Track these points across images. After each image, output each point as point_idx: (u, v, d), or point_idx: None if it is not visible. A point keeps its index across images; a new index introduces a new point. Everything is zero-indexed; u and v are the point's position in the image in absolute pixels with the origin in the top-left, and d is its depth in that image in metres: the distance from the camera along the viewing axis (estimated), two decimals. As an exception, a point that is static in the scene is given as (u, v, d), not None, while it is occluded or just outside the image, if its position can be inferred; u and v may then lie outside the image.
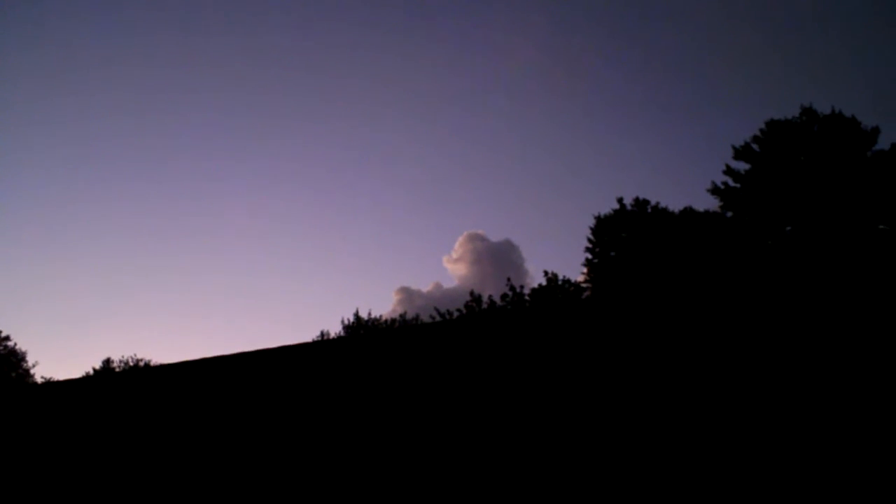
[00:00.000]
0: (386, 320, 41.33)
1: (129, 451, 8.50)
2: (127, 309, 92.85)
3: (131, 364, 47.00)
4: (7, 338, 44.29)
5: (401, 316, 42.07)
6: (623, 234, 35.73)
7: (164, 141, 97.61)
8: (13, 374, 43.25)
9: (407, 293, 71.17)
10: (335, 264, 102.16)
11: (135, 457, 8.36)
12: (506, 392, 7.02)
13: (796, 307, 6.76)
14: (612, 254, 35.84)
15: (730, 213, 34.74)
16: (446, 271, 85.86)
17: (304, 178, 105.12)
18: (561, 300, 33.50)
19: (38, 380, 42.13)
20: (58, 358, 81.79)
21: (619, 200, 36.70)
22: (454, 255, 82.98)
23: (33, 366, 44.83)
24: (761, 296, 7.13)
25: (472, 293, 36.61)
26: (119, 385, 11.91)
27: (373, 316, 41.26)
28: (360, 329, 39.68)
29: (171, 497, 7.62)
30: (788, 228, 33.01)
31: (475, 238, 79.70)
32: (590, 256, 36.63)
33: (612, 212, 36.72)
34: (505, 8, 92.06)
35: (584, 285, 36.24)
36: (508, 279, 36.06)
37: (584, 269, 36.86)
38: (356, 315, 41.04)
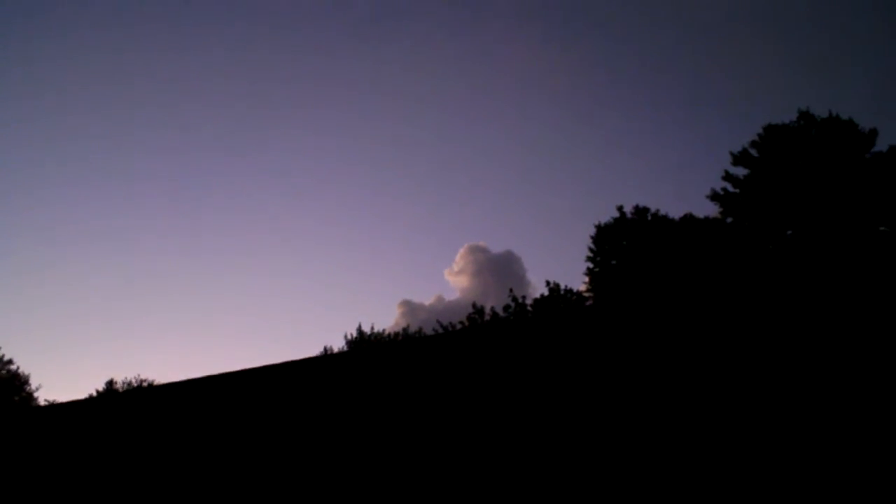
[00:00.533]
0: (389, 334, 41.27)
1: (135, 471, 8.48)
2: (128, 330, 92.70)
3: (135, 384, 46.94)
4: (10, 361, 44.23)
5: (404, 329, 42.05)
6: (624, 242, 35.82)
7: (161, 157, 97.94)
8: (16, 398, 43.12)
9: (409, 306, 71.11)
10: (337, 279, 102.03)
11: (141, 476, 8.34)
12: (509, 403, 7.01)
13: (799, 311, 6.76)
14: (614, 262, 35.90)
15: (730, 219, 34.82)
16: (448, 284, 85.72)
17: (304, 193, 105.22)
18: (563, 309, 33.47)
19: (42, 403, 42.00)
20: (61, 381, 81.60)
21: (619, 209, 36.86)
22: (455, 268, 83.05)
23: (37, 389, 44.71)
24: (764, 301, 7.13)
25: (474, 305, 36.68)
26: (123, 405, 11.89)
27: (376, 330, 41.24)
28: (362, 344, 39.63)
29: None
30: (789, 232, 33.06)
31: (476, 250, 79.71)
32: (591, 265, 36.71)
33: (612, 220, 36.85)
34: (501, 15, 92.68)
35: (586, 294, 36.26)
36: (510, 290, 36.10)
37: (586, 279, 36.94)
38: (359, 330, 41.01)
